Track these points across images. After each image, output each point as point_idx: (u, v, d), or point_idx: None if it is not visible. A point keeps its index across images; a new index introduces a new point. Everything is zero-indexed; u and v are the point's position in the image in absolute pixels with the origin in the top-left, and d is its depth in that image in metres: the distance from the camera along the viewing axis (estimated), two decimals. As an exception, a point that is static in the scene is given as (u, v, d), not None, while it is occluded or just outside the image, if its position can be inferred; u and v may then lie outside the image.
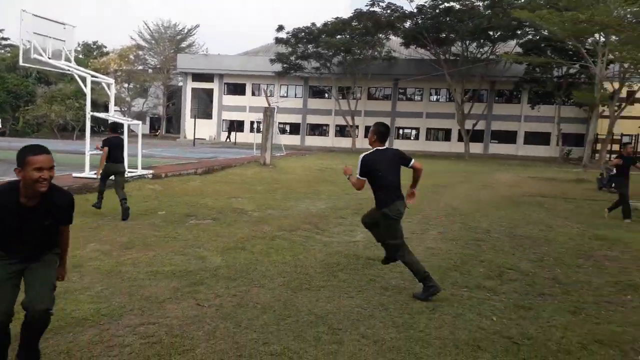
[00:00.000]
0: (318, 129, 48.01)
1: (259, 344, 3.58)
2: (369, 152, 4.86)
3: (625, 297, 5.07)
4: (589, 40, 24.82)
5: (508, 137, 43.43)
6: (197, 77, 48.64)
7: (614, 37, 21.60)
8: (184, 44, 57.03)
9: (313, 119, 47.51)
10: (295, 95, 47.60)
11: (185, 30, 56.64)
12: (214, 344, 3.55)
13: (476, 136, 41.43)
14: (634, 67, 27.01)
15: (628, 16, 22.44)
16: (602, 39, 22.20)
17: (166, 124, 57.71)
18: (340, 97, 43.45)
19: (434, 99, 45.62)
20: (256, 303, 4.39)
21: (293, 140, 45.88)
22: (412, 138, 45.63)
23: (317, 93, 47.37)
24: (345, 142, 44.45)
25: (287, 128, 47.74)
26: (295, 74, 42.59)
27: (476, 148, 41.50)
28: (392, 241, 4.85)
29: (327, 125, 47.44)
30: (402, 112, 45.09)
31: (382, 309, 4.38)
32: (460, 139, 40.72)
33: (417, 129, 45.41)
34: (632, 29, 17.30)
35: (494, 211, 10.61)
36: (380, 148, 4.84)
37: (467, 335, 3.85)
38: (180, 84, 53.07)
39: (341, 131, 46.71)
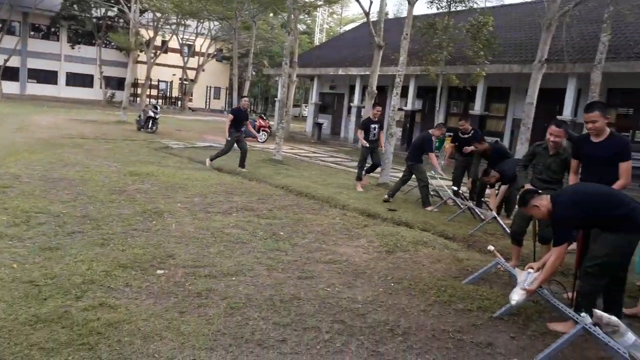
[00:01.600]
0: None
1: None
2: None
3: (151, 223, 5.69)
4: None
5: (48, 77, 39.94)
6: None
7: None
8: None
9: None
10: None
11: None
12: None
13: (10, 74, 36.19)
14: (164, 17, 29.67)
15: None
16: (136, -14, 23.08)
17: None
18: None
19: (-52, 23, 36.61)
20: None
21: None
22: None
23: None
24: None
25: None
26: None
27: (11, 88, 36.41)
28: None
29: None
30: None
31: None
32: (-10, 76, 34.68)
33: None
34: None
35: (28, 155, 9.76)
36: None
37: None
38: None
39: None
